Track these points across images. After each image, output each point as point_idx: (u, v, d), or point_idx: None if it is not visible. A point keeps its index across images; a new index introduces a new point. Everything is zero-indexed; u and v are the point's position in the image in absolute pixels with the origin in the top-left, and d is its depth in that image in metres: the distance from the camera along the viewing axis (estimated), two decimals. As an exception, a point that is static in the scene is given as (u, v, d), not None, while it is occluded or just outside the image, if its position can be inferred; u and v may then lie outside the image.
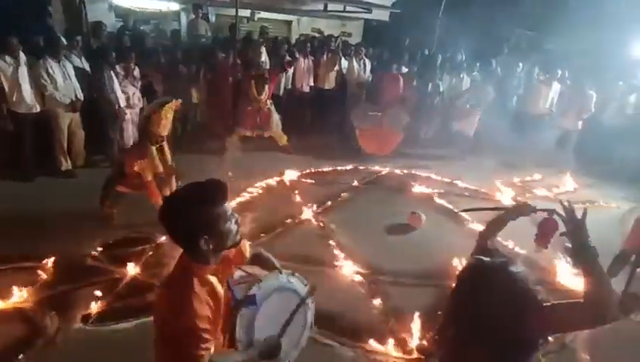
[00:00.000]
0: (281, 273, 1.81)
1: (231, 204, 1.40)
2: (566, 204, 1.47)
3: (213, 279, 1.41)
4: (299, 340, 1.96)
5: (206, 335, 1.30)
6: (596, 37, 9.06)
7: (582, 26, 10.18)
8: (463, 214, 4.65)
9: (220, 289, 1.44)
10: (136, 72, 5.66)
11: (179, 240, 1.36)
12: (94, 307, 2.93)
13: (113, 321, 2.83)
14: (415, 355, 2.86)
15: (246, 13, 8.64)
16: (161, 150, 4.00)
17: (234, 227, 1.39)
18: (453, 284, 1.41)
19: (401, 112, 6.66)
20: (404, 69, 7.47)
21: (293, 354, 1.95)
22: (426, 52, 8.91)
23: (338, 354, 2.83)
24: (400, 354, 2.87)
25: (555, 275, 3.81)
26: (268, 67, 6.49)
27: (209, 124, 6.55)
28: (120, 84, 5.30)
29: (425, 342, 2.95)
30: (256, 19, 8.82)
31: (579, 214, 1.40)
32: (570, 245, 1.38)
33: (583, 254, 1.33)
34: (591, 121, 6.98)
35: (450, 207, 5.07)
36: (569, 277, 3.75)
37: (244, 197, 4.93)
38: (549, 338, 1.39)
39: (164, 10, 8.25)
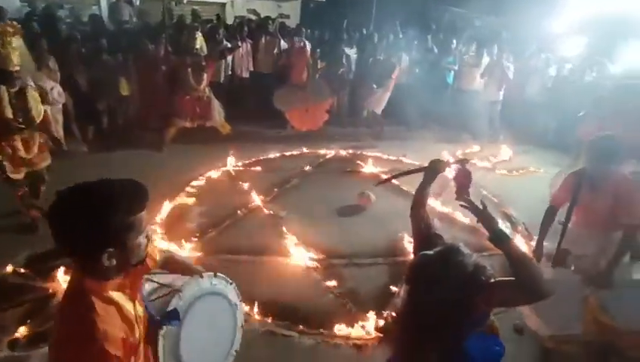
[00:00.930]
0: (201, 277, 1.60)
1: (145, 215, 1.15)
2: (467, 198, 1.59)
3: (118, 296, 1.16)
4: (231, 345, 1.82)
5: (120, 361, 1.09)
6: (520, 12, 9.58)
7: (507, 1, 10.73)
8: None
9: (130, 307, 1.19)
10: (52, 63, 5.09)
11: (73, 251, 1.09)
12: (22, 330, 2.62)
13: (46, 343, 2.55)
14: (375, 335, 2.89)
15: (173, -6, 8.09)
16: (20, 95, 3.39)
17: (144, 241, 1.15)
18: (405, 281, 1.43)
19: (322, 83, 6.66)
20: (349, 50, 7.40)
21: (228, 361, 1.83)
22: (364, 32, 8.91)
23: (297, 343, 2.79)
24: (360, 336, 2.88)
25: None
26: (205, 54, 6.13)
27: (143, 116, 6.10)
28: (32, 78, 4.71)
29: (383, 321, 2.99)
30: (185, 1, 8.29)
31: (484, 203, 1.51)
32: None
33: (497, 241, 1.41)
34: (515, 92, 7.45)
35: (398, 183, 5.16)
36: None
37: (189, 191, 4.67)
38: None
39: (81, -7, 7.49)
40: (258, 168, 5.50)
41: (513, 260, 1.35)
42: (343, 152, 6.26)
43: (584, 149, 2.89)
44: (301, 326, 2.89)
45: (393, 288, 3.30)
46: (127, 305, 1.18)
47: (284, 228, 4.04)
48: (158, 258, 1.50)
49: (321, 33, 8.44)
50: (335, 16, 9.90)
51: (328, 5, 10.77)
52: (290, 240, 3.87)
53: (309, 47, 7.10)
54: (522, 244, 4.07)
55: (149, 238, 1.18)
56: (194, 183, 4.81)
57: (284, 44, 7.15)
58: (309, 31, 7.71)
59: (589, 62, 6.43)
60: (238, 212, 4.30)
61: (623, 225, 2.62)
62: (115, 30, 6.57)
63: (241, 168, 5.42)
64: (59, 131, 4.87)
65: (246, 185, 4.90)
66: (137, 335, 1.21)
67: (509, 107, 7.60)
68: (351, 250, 3.78)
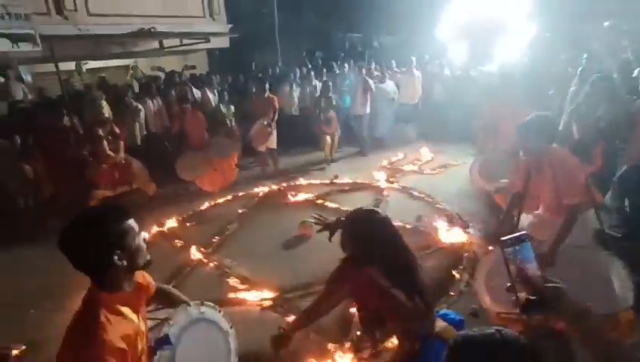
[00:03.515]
0: (189, 305, 1.75)
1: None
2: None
3: (125, 309, 1.35)
4: None
5: None
6: (410, 29, 10.57)
7: (398, 21, 11.82)
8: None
9: (135, 318, 1.38)
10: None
11: (88, 265, 1.29)
12: None
13: None
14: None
15: (70, 66, 7.74)
16: None
17: (143, 244, 1.39)
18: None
19: (222, 140, 6.36)
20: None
21: None
22: (277, 69, 9.19)
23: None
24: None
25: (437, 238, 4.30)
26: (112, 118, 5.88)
27: (57, 195, 5.58)
28: None
29: (355, 339, 2.98)
30: (84, 70, 7.97)
31: None
32: None
33: None
34: (425, 98, 8.14)
35: (335, 205, 5.27)
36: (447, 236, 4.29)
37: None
38: None
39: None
40: (193, 222, 5.30)
41: None
42: (275, 187, 6.26)
43: (518, 133, 2.67)
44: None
45: (350, 308, 3.31)
46: (133, 318, 1.36)
47: (231, 277, 3.91)
48: (153, 286, 1.62)
49: (235, 78, 8.54)
50: (243, 59, 10.12)
51: (234, 50, 10.95)
52: (241, 287, 3.75)
53: (213, 98, 7.01)
54: (459, 234, 4.33)
55: (146, 241, 1.41)
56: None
57: (197, 92, 7.09)
58: (217, 77, 7.76)
59: (472, 62, 7.24)
60: (180, 272, 4.08)
61: (566, 206, 2.52)
62: (9, 110, 6.05)
63: (175, 226, 5.18)
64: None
65: (183, 242, 4.68)
66: (140, 348, 1.37)
67: (424, 111, 8.28)
68: (303, 281, 3.74)
